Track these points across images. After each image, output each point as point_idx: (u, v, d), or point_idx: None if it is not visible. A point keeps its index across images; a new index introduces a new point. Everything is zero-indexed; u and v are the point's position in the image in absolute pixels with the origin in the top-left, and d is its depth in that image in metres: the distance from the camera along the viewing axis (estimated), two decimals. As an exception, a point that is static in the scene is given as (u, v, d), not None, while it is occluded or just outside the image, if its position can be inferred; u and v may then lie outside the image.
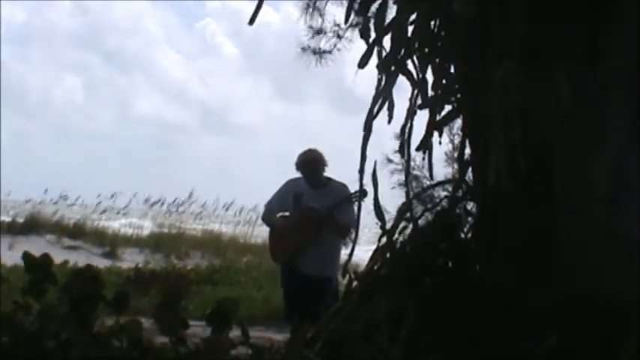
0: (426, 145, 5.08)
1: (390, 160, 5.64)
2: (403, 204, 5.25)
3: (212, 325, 4.18)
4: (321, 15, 5.94)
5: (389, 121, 4.99)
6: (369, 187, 5.27)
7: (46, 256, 4.30)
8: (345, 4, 5.48)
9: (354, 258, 5.54)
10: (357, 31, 5.60)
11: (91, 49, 62.20)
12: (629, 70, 4.44)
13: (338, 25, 5.92)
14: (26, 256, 4.29)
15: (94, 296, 4.14)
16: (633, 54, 4.45)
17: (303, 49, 5.99)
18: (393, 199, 5.52)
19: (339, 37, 5.92)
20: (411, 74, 5.06)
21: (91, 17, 57.06)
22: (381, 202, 5.17)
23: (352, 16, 5.45)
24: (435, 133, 5.12)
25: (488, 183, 4.35)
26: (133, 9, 62.11)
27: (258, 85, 59.24)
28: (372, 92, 5.04)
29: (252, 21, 5.15)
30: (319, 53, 5.97)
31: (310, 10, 5.91)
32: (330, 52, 5.98)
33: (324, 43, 5.94)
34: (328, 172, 7.03)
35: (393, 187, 5.61)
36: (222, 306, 4.26)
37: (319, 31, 5.96)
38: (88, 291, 4.14)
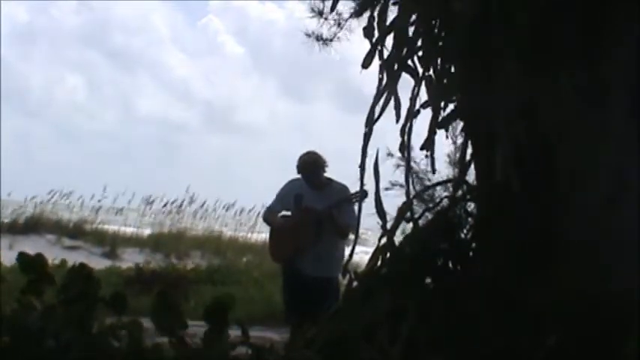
0: (429, 145, 5.07)
1: (390, 154, 5.62)
2: (403, 204, 5.24)
3: (210, 322, 4.17)
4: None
5: (397, 120, 4.98)
6: (370, 182, 5.23)
7: (40, 257, 4.30)
8: None
9: (354, 258, 5.54)
10: (356, 19, 5.62)
11: (93, 47, 62.09)
12: (629, 70, 4.44)
13: (339, 15, 5.93)
14: (21, 257, 4.29)
15: (90, 296, 4.14)
16: (633, 54, 4.45)
17: (308, 35, 5.98)
18: (394, 198, 5.51)
19: (340, 25, 5.91)
20: (416, 72, 5.05)
21: (94, 15, 56.96)
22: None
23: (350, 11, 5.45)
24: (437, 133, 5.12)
25: (494, 181, 4.35)
26: (136, 7, 61.97)
27: (262, 84, 59.09)
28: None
29: None
30: (322, 40, 5.96)
31: None
32: (331, 40, 5.97)
33: (326, 31, 5.94)
34: (332, 172, 7.05)
35: (388, 188, 5.59)
36: (218, 302, 4.24)
37: (321, 13, 5.95)
38: (84, 291, 4.13)
